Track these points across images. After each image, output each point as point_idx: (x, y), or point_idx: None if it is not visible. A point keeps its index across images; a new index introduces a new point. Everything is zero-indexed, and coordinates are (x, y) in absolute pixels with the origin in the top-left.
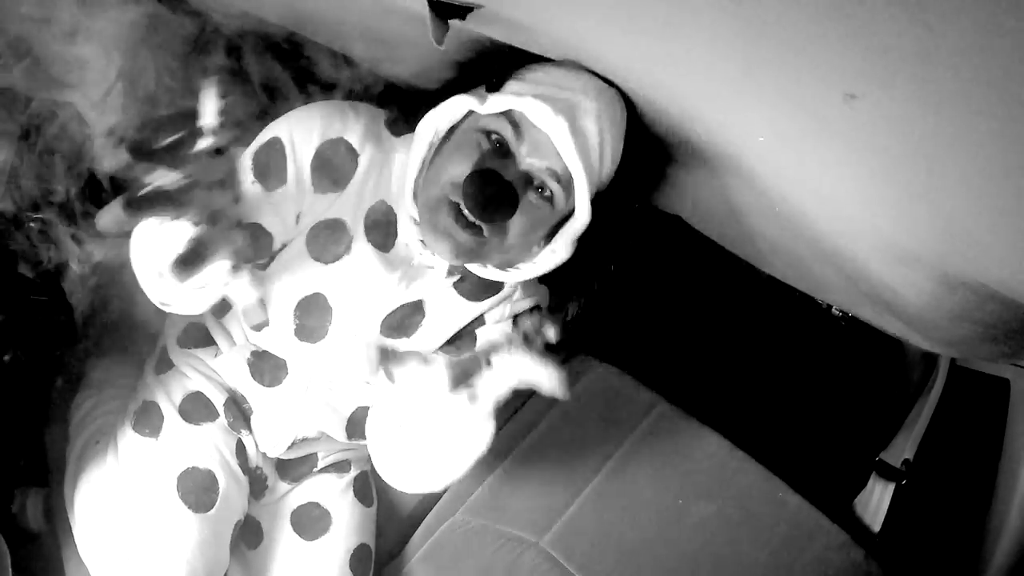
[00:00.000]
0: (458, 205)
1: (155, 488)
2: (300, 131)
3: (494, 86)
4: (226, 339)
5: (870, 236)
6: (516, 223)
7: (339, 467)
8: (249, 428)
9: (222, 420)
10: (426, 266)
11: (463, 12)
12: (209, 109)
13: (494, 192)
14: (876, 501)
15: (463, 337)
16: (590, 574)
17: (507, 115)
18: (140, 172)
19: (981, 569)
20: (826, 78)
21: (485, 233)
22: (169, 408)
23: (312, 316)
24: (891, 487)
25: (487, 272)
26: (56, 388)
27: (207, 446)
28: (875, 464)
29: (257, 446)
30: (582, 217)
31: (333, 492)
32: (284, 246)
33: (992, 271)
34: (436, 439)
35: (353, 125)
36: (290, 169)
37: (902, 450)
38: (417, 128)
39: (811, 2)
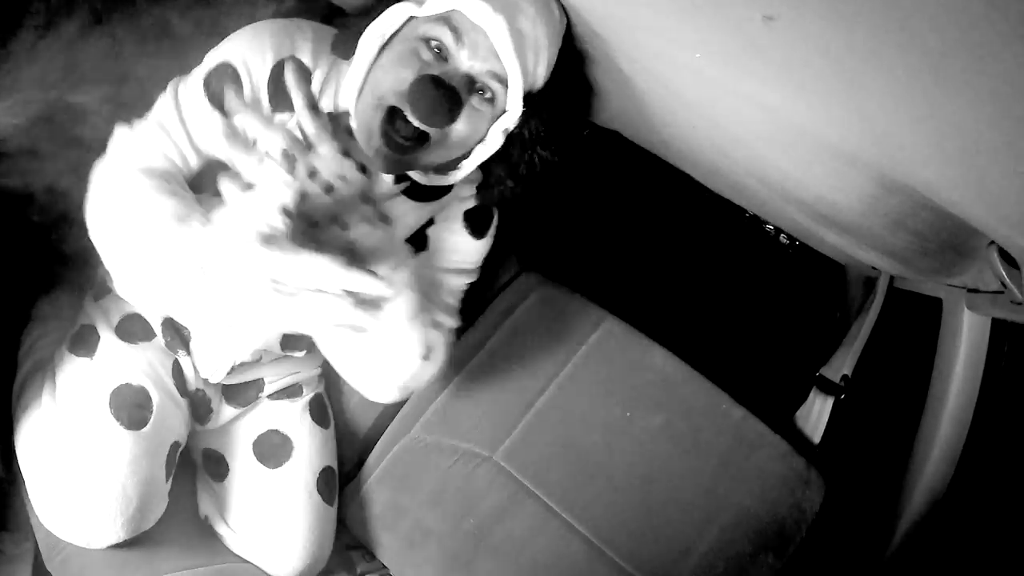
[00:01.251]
0: (388, 126)
1: (88, 406)
2: (252, 52)
3: None
4: None
5: (809, 141)
6: (459, 127)
7: (290, 392)
8: (187, 350)
9: (159, 340)
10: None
11: None
12: None
13: (439, 96)
14: (816, 414)
15: (416, 239)
16: (542, 484)
17: (446, 20)
18: None
19: (914, 477)
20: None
21: (431, 137)
22: (105, 329)
23: None
24: (830, 401)
25: (427, 179)
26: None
27: (142, 364)
28: (815, 379)
29: (196, 369)
30: (514, 112)
31: (291, 417)
32: None
33: (921, 174)
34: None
35: (302, 43)
36: (247, 93)
37: (841, 366)
38: (359, 42)
39: None
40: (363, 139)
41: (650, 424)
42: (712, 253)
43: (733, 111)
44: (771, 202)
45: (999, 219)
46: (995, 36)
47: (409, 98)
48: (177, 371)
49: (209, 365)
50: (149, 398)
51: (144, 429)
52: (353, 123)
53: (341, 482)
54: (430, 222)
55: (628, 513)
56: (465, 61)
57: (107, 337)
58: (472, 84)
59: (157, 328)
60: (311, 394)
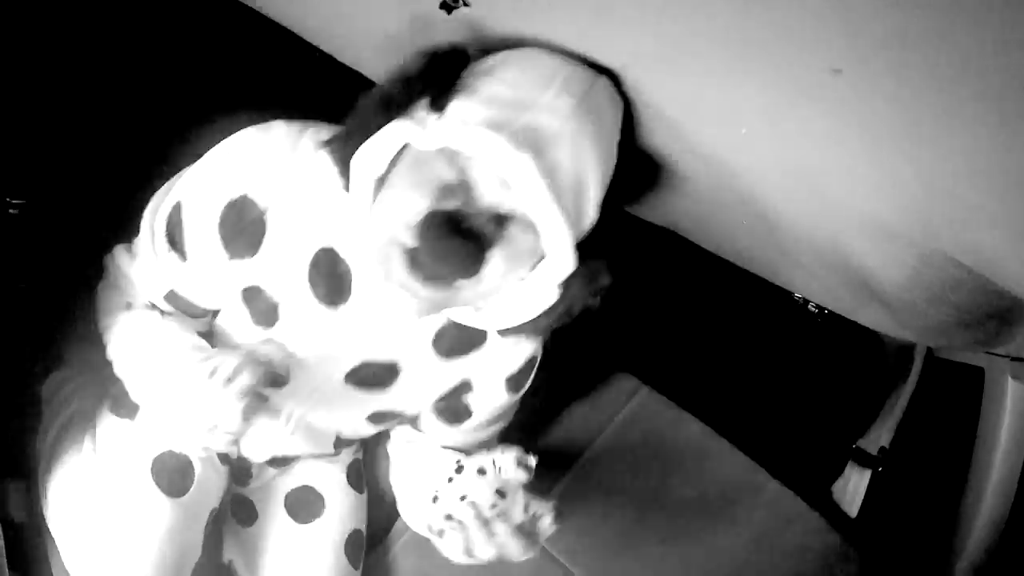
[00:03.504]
0: (413, 253)
1: (129, 470)
2: (201, 195)
3: (437, 102)
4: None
5: (855, 215)
6: (493, 264)
7: (329, 456)
8: None
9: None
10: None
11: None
12: None
13: (457, 245)
14: (853, 487)
15: (451, 399)
16: (573, 557)
17: None
18: None
19: (955, 553)
20: (813, 52)
21: (455, 284)
22: None
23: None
24: (868, 474)
25: (467, 318)
26: (36, 375)
27: (184, 431)
28: (852, 451)
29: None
30: (567, 266)
31: (327, 477)
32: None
33: (971, 246)
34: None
35: (256, 173)
36: (198, 238)
37: (879, 438)
38: (352, 163)
39: None
40: (384, 280)
41: (683, 497)
42: (744, 320)
43: (776, 188)
44: (816, 279)
45: None
46: None
47: (420, 242)
48: None
49: (251, 449)
50: (191, 466)
51: (184, 497)
52: (370, 263)
53: (367, 545)
54: (467, 385)
55: None
56: (496, 189)
57: None
58: (502, 217)
59: None
60: (350, 459)
